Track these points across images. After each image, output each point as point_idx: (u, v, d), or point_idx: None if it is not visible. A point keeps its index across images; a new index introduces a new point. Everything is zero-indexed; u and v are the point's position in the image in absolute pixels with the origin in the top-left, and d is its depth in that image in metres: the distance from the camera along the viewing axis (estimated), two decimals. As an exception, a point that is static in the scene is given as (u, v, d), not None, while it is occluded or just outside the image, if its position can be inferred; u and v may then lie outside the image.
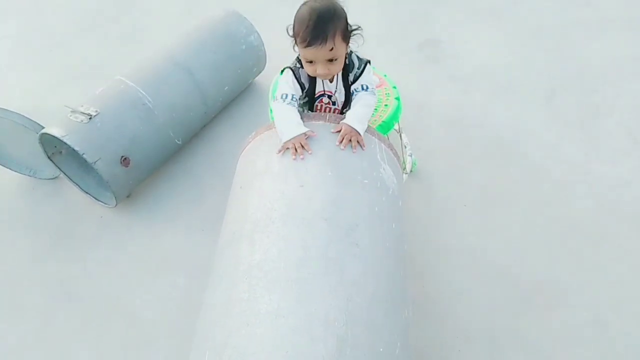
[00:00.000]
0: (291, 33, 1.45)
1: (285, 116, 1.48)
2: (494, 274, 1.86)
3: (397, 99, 1.87)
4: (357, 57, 1.58)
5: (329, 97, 1.61)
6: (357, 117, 1.49)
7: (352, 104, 1.58)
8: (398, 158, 1.64)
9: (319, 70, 1.45)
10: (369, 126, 1.56)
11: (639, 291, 1.79)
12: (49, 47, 3.21)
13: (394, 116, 1.82)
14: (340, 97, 1.62)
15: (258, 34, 2.48)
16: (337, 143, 1.44)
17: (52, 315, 1.86)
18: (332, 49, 1.38)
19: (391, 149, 1.61)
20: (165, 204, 2.20)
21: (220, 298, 1.24)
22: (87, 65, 2.99)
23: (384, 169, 1.50)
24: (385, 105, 1.84)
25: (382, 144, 1.57)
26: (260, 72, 2.64)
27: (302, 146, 1.40)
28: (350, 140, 1.44)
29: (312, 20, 1.36)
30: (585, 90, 2.59)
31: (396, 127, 1.97)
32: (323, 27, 1.36)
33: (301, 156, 1.38)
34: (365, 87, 1.57)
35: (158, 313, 1.83)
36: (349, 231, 1.25)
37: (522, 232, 1.99)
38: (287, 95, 1.52)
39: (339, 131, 1.46)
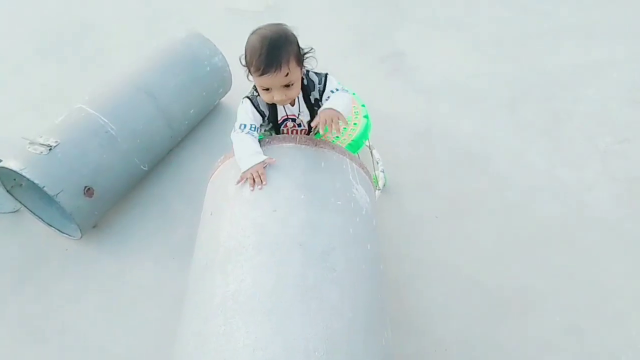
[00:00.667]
0: (244, 63, 1.44)
1: (242, 146, 1.44)
2: (468, 284, 1.88)
3: (366, 117, 1.88)
4: (315, 73, 1.56)
5: (293, 120, 1.61)
6: (334, 102, 1.47)
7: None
8: (370, 176, 1.64)
9: (275, 97, 1.44)
10: (339, 146, 1.56)
11: (610, 294, 1.84)
12: (5, 73, 3.09)
13: (364, 134, 1.83)
14: (305, 119, 1.61)
15: (222, 55, 2.46)
16: (321, 128, 1.41)
17: (18, 357, 1.76)
18: (287, 74, 1.38)
19: (362, 168, 1.61)
20: (134, 233, 2.13)
21: (194, 332, 1.20)
22: (46, 92, 2.89)
23: (356, 189, 1.50)
24: (355, 123, 1.85)
25: (354, 164, 1.57)
26: (226, 93, 2.62)
27: (260, 176, 1.36)
28: (333, 121, 1.40)
29: (264, 47, 1.35)
30: (546, 97, 2.68)
31: (367, 143, 1.98)
32: (276, 53, 1.35)
33: (259, 187, 1.35)
34: (336, 90, 1.54)
35: (129, 349, 1.76)
36: (324, 255, 1.23)
37: (493, 240, 2.02)
38: (245, 126, 1.49)
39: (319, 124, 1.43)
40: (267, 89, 1.42)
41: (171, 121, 2.25)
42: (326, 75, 1.57)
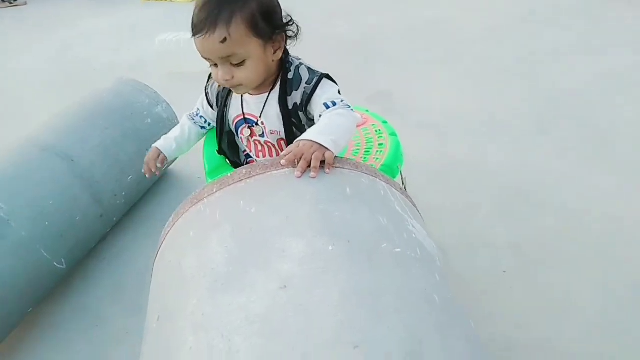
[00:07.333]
0: None
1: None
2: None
3: (393, 134, 1.29)
4: (309, 68, 1.04)
5: (251, 125, 1.09)
6: (319, 128, 0.92)
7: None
8: (418, 209, 1.00)
9: (218, 74, 0.98)
10: (364, 163, 0.94)
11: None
12: None
13: (396, 156, 1.21)
14: (271, 126, 1.07)
15: (167, 103, 1.87)
16: (283, 162, 0.84)
17: None
18: (225, 39, 0.92)
19: (407, 197, 0.97)
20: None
21: None
22: None
23: (413, 226, 0.84)
24: (380, 144, 1.24)
25: (394, 189, 0.93)
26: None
27: (148, 163, 1.19)
28: (305, 159, 0.83)
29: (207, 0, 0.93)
30: (572, 115, 2.22)
31: (401, 172, 1.33)
32: (216, 7, 0.92)
33: (147, 175, 1.20)
34: (332, 103, 0.99)
35: None
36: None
37: (576, 295, 1.37)
38: (195, 112, 1.25)
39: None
40: (213, 65, 0.99)
41: (99, 193, 1.57)
42: (322, 76, 1.04)
